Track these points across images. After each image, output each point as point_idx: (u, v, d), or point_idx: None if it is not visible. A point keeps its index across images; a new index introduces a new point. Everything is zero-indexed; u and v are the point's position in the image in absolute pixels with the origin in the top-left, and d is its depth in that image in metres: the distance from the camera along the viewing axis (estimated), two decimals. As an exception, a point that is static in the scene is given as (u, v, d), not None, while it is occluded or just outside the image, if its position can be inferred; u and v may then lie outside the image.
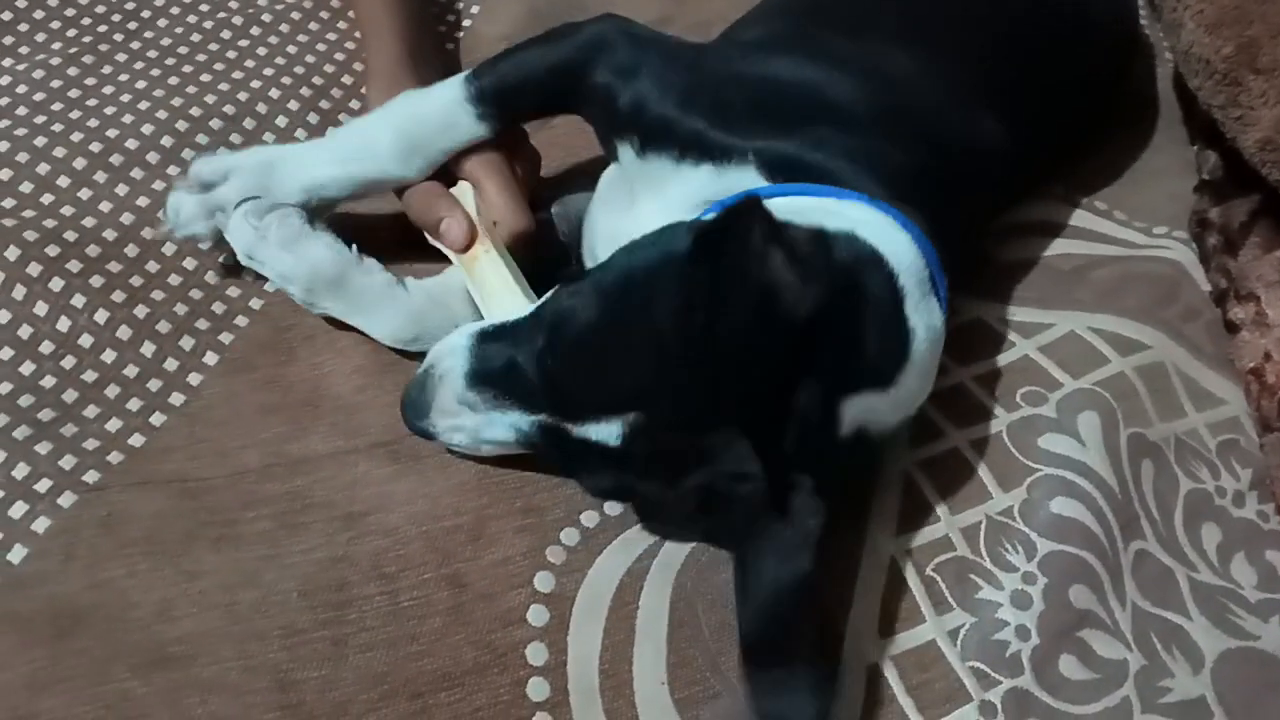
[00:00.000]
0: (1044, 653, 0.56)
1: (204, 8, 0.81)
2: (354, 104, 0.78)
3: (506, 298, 0.59)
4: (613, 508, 0.58)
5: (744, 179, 0.58)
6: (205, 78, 0.76)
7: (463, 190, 0.64)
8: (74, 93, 0.72)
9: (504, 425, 0.54)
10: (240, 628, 0.51)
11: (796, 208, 0.54)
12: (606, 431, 0.50)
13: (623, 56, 0.62)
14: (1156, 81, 0.89)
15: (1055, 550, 0.59)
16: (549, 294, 0.56)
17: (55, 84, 0.73)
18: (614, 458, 0.51)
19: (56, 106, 0.71)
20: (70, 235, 0.65)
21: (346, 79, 0.79)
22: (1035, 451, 0.63)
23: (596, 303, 0.51)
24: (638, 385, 0.49)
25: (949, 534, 0.59)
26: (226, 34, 0.79)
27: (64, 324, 0.61)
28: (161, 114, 0.72)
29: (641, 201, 0.62)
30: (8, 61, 0.74)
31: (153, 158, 0.70)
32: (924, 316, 0.55)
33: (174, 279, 0.65)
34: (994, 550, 0.59)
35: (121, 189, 0.68)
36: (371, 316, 0.63)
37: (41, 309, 0.61)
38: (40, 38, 0.76)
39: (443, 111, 0.63)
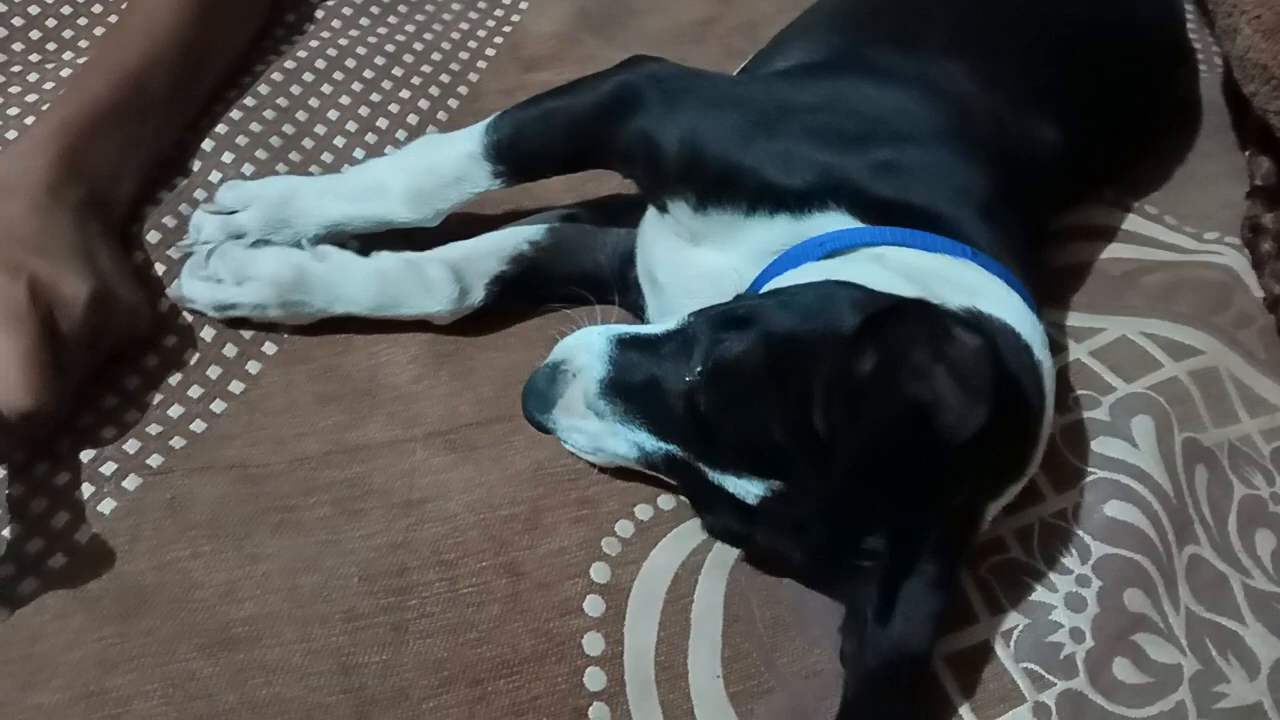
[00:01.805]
0: (1098, 656, 0.56)
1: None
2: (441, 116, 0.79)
3: None
4: (666, 501, 0.58)
5: (828, 222, 0.57)
6: (263, 88, 0.76)
7: None
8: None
9: (628, 441, 0.53)
10: (303, 611, 0.52)
11: (909, 266, 0.54)
12: (745, 488, 0.50)
13: (657, 107, 0.59)
14: (1203, 88, 0.89)
15: (1109, 553, 0.59)
16: (692, 315, 0.53)
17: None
18: (744, 510, 0.50)
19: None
20: (134, 226, 0.66)
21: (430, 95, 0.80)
22: (1088, 455, 0.63)
23: (759, 359, 0.49)
24: (788, 458, 0.48)
25: (1002, 535, 0.59)
26: (290, 64, 0.79)
27: (129, 309, 0.62)
28: (221, 128, 0.72)
29: (706, 244, 0.60)
30: (68, 54, 0.75)
31: (208, 144, 0.71)
32: (1053, 389, 0.56)
33: (233, 268, 0.66)
34: (1047, 553, 0.59)
35: (180, 180, 0.69)
36: (347, 295, 0.62)
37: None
38: (99, 30, 0.77)
39: (456, 163, 0.62)
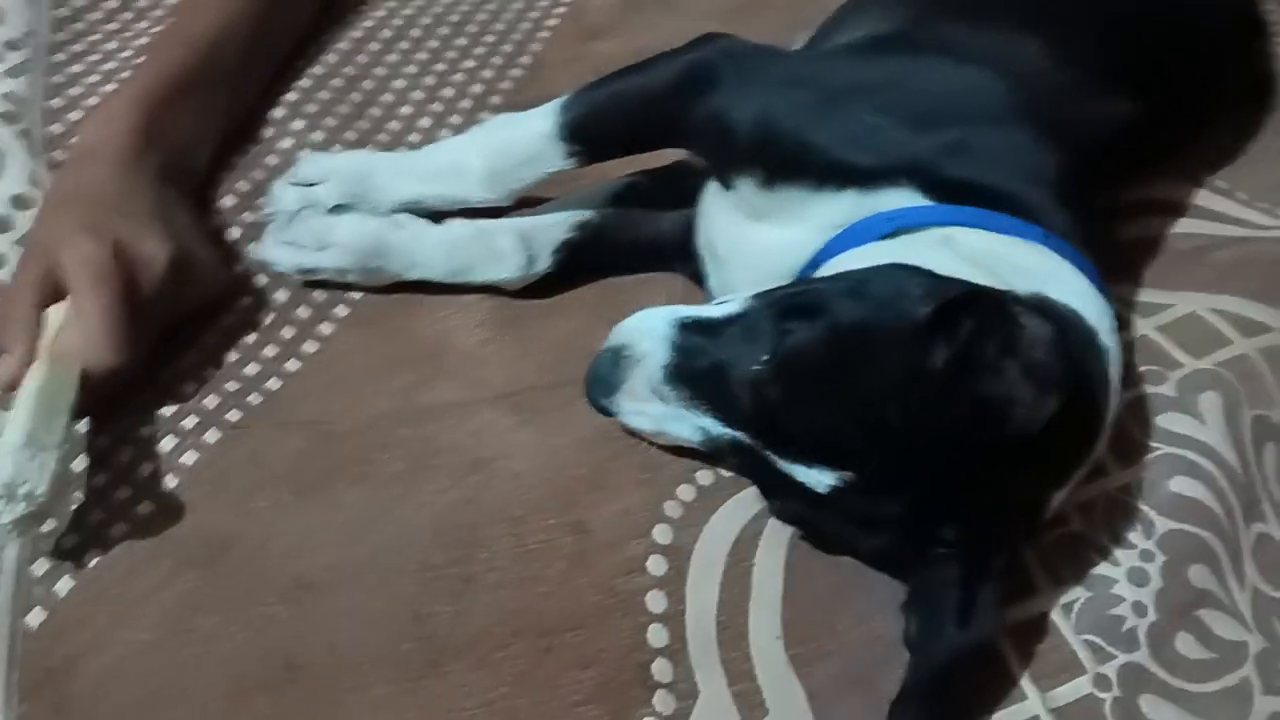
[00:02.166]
0: (1161, 630, 0.55)
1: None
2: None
3: (10, 433, 0.50)
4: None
5: (897, 199, 0.57)
6: (331, 58, 0.78)
7: (58, 309, 0.55)
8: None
9: (692, 425, 0.53)
10: (379, 561, 0.53)
11: (978, 250, 0.54)
12: (815, 478, 0.50)
13: (730, 86, 0.59)
14: (1276, 62, 0.87)
15: (1174, 528, 0.58)
16: (755, 298, 0.53)
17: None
18: (813, 497, 0.50)
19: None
20: (208, 191, 0.68)
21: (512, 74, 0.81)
22: (1154, 430, 0.62)
23: (829, 350, 0.49)
24: (859, 449, 0.48)
25: (1065, 509, 0.59)
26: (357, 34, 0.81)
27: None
28: (292, 95, 0.74)
29: (768, 220, 0.60)
30: (142, 24, 0.78)
31: (279, 112, 0.73)
32: (1119, 375, 0.55)
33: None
34: (1111, 527, 0.59)
35: (251, 146, 0.71)
36: (422, 262, 0.64)
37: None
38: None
39: (530, 143, 0.62)
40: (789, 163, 0.58)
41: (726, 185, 0.62)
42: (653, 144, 0.65)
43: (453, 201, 0.65)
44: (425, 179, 0.65)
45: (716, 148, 0.61)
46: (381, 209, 0.65)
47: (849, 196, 0.57)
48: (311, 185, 0.66)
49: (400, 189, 0.65)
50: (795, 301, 0.52)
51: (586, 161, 0.63)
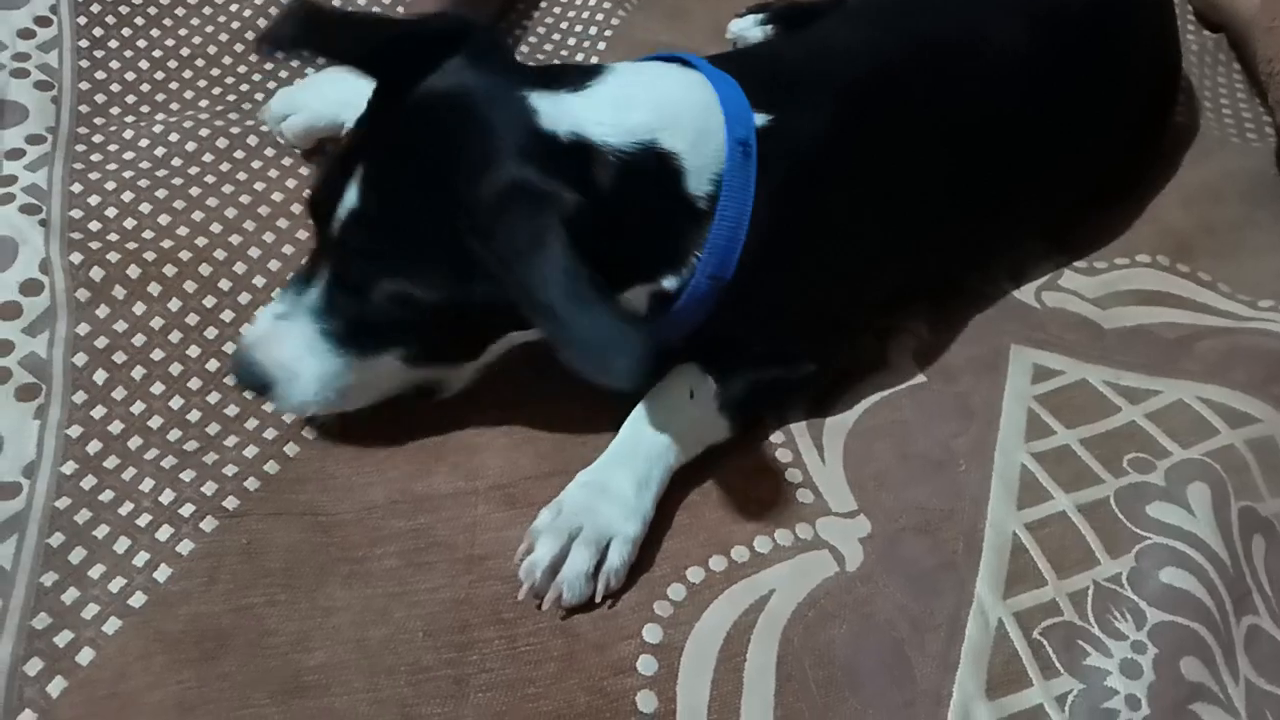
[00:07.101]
0: (1155, 725, 0.55)
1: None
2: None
3: None
4: (718, 563, 0.60)
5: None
6: None
7: None
8: (221, 142, 0.78)
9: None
10: (370, 662, 0.53)
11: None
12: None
13: None
14: (1256, 159, 0.89)
15: (1166, 620, 0.59)
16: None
17: (204, 133, 0.78)
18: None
19: (207, 158, 0.76)
20: (224, 284, 0.70)
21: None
22: (1144, 519, 0.63)
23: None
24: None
25: (1056, 598, 0.60)
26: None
27: (213, 365, 0.66)
28: (304, 170, 0.76)
29: None
30: (160, 116, 0.80)
31: (297, 208, 0.74)
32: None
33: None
34: (1102, 617, 0.59)
35: (269, 236, 0.72)
36: None
37: (194, 351, 0.66)
38: (189, 94, 0.82)
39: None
40: None
41: None
42: None
43: None
44: None
45: None
46: None
47: None
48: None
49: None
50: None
51: None
